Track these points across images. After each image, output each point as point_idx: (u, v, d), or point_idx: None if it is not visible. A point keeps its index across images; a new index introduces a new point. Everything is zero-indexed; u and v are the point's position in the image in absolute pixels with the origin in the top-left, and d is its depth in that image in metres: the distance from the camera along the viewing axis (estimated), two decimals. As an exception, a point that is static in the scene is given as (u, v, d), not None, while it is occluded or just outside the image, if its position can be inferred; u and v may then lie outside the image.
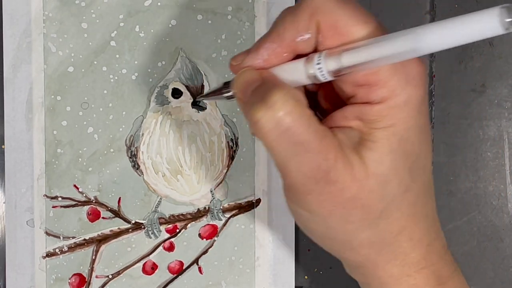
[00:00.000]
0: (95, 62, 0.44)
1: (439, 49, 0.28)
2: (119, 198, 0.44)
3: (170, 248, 0.45)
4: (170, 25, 0.44)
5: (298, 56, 0.32)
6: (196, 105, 0.44)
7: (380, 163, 0.31)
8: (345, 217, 0.32)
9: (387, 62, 0.30)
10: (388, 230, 0.33)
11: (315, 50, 0.32)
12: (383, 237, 0.33)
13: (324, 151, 0.31)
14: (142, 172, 0.44)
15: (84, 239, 0.44)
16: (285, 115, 0.30)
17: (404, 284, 0.34)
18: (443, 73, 0.46)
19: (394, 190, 0.32)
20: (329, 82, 0.32)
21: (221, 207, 0.45)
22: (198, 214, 0.45)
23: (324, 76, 0.31)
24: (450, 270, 0.35)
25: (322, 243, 0.35)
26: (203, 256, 0.45)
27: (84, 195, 0.44)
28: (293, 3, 0.43)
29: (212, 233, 0.45)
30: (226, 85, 0.35)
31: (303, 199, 0.32)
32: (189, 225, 0.45)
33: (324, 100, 0.35)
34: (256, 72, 0.33)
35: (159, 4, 0.44)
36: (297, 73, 0.32)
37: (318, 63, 0.31)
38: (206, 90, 0.44)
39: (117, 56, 0.44)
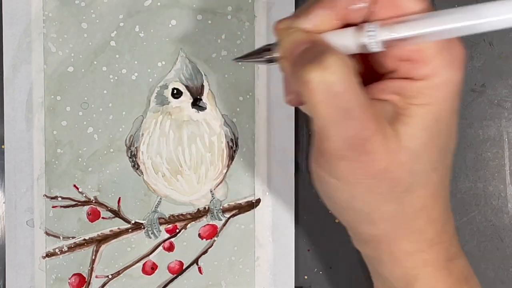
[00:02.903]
0: (95, 62, 0.44)
1: (498, 28, 0.29)
2: (119, 198, 0.44)
3: (170, 248, 0.45)
4: (170, 25, 0.44)
5: (345, 26, 0.32)
6: (196, 105, 0.44)
7: (413, 138, 0.32)
8: (372, 188, 0.33)
9: (439, 37, 0.30)
10: (411, 205, 0.34)
11: (364, 21, 0.32)
12: (406, 212, 0.34)
13: (366, 120, 0.31)
14: (142, 172, 0.44)
15: (84, 239, 0.44)
16: (338, 80, 0.30)
17: (416, 259, 0.34)
18: (443, 73, 0.45)
19: (423, 167, 0.33)
20: (367, 56, 0.33)
21: (221, 207, 0.45)
22: (198, 214, 0.45)
23: (374, 46, 0.31)
24: (457, 248, 0.36)
25: (341, 213, 0.36)
26: (203, 256, 0.45)
27: (84, 195, 0.44)
28: (293, 4, 0.43)
29: (212, 233, 0.45)
30: (267, 47, 0.35)
31: (335, 165, 0.32)
32: (189, 225, 0.45)
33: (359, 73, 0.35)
34: (305, 34, 0.32)
35: (159, 4, 0.44)
36: (346, 41, 0.32)
37: (370, 32, 0.31)
38: (207, 88, 0.44)
39: (117, 56, 0.44)
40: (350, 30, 0.32)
